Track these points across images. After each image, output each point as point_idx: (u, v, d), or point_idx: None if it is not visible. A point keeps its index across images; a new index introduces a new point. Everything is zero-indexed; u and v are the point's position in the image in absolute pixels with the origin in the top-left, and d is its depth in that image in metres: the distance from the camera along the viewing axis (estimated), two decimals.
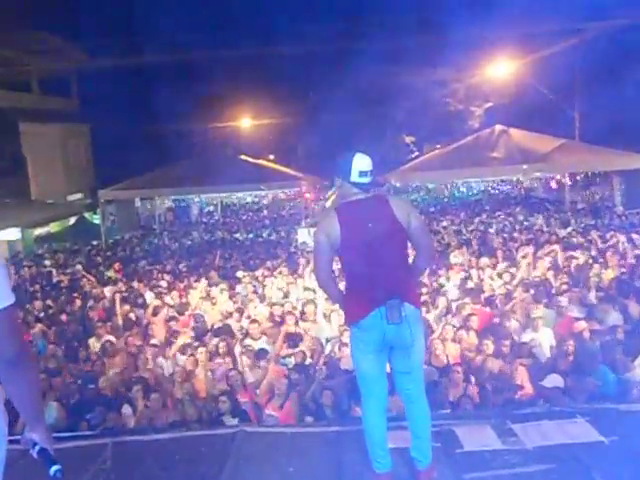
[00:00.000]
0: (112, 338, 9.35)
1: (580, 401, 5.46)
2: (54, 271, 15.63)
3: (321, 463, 4.16)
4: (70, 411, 7.03)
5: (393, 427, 4.02)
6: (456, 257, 12.89)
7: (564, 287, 9.79)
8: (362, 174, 3.90)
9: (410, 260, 3.99)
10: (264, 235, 21.26)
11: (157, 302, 10.79)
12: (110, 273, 14.29)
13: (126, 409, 6.62)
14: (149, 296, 11.60)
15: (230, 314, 10.05)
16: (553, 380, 6.06)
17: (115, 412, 6.67)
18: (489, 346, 7.40)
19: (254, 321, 9.20)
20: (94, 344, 9.33)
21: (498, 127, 20.82)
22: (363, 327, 3.76)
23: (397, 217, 3.80)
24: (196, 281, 12.48)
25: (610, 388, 6.22)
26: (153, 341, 9.08)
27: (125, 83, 28.50)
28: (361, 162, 3.91)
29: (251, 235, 21.23)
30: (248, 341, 8.69)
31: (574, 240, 14.03)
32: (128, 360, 8.36)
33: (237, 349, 8.37)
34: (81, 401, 7.33)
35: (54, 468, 2.43)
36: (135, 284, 12.63)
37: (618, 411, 4.64)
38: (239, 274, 12.66)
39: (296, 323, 9.15)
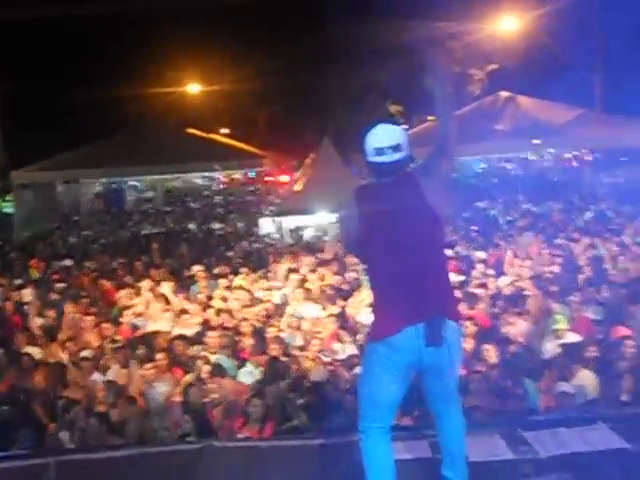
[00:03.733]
0: (33, 350, 9.53)
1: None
2: None
3: None
4: None
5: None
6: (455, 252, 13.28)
7: (578, 284, 10.32)
8: (379, 152, 3.88)
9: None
10: (217, 226, 21.43)
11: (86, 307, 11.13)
12: (30, 272, 14.39)
13: (63, 434, 6.82)
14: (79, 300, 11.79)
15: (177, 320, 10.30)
16: (560, 386, 6.52)
17: (48, 436, 6.88)
18: (490, 353, 7.82)
19: (212, 328, 9.50)
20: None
21: (503, 94, 21.23)
22: (393, 346, 3.76)
23: (429, 203, 3.80)
24: (135, 281, 12.68)
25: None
26: (84, 353, 9.25)
27: (43, 38, 28.29)
28: (377, 136, 3.90)
29: (203, 226, 21.37)
30: (203, 353, 8.97)
31: (593, 229, 14.57)
32: (53, 376, 8.56)
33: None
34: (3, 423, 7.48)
35: None
36: (57, 285, 12.80)
37: None
38: (195, 269, 12.89)
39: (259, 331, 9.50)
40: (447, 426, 4.09)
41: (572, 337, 8.31)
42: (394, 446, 4.17)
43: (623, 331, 8.30)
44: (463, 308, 9.44)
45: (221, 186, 33.97)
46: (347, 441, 4.72)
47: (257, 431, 6.65)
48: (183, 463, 4.72)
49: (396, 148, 3.88)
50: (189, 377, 8.01)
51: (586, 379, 7.11)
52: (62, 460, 4.83)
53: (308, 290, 11.14)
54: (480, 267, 11.78)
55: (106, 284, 12.86)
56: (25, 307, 11.60)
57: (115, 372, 8.55)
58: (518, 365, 7.45)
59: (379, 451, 3.93)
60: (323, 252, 14.47)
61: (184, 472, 4.58)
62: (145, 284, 12.08)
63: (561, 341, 8.15)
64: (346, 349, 8.76)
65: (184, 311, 10.53)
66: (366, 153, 3.93)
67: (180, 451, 4.94)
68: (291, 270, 12.53)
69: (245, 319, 9.92)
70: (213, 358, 8.67)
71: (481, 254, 12.92)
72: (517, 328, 8.95)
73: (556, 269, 11.57)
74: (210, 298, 11.32)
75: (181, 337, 9.27)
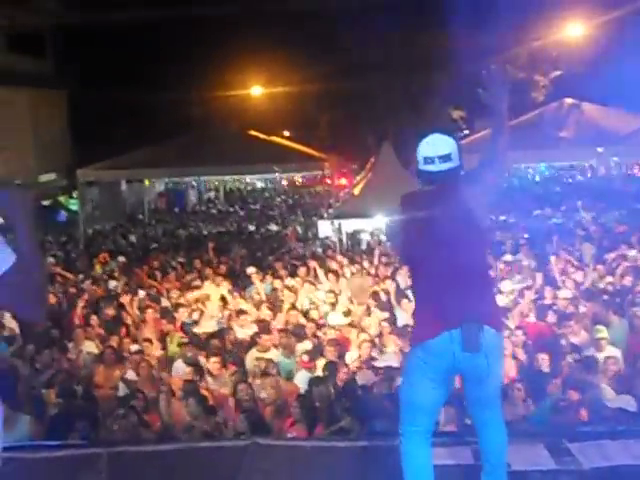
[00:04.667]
0: (97, 344, 9.84)
1: None
2: None
3: None
4: (48, 426, 7.42)
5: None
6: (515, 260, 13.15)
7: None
8: (427, 161, 3.95)
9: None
10: (276, 228, 21.64)
11: (147, 303, 11.44)
12: (96, 268, 14.77)
13: (119, 426, 6.99)
14: (137, 297, 12.08)
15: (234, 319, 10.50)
16: (620, 400, 6.38)
17: (105, 429, 7.07)
18: (544, 362, 7.77)
19: (267, 329, 9.66)
20: (74, 349, 9.76)
21: (568, 101, 20.89)
22: (430, 350, 3.81)
23: (472, 211, 3.85)
24: (193, 280, 12.96)
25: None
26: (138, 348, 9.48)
27: (111, 43, 28.96)
28: (427, 145, 3.98)
29: (262, 227, 21.60)
30: (256, 353, 9.10)
31: None
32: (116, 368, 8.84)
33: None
34: (61, 415, 7.72)
35: None
36: (117, 282, 13.12)
37: None
38: (251, 270, 13.07)
39: (315, 332, 9.62)
40: (487, 434, 4.10)
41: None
42: (436, 451, 4.20)
43: None
44: (518, 316, 9.43)
45: (281, 188, 34.22)
46: (390, 444, 4.73)
47: (306, 432, 6.73)
48: (229, 459, 4.83)
49: (445, 158, 3.94)
50: (238, 374, 8.14)
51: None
52: (114, 451, 4.99)
53: (363, 293, 11.21)
54: (538, 275, 11.65)
55: (164, 282, 13.14)
56: (85, 302, 11.92)
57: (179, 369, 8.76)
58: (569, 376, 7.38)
59: (417, 454, 3.96)
60: (380, 256, 14.48)
61: (229, 468, 4.69)
62: (201, 283, 12.35)
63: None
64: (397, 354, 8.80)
65: (241, 311, 10.71)
66: (417, 161, 4.01)
67: (226, 447, 5.06)
68: (346, 274, 12.62)
69: (306, 319, 10.12)
70: (267, 357, 8.83)
71: (540, 262, 12.76)
72: (573, 338, 8.86)
73: (616, 280, 11.39)
74: (266, 299, 11.49)
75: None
